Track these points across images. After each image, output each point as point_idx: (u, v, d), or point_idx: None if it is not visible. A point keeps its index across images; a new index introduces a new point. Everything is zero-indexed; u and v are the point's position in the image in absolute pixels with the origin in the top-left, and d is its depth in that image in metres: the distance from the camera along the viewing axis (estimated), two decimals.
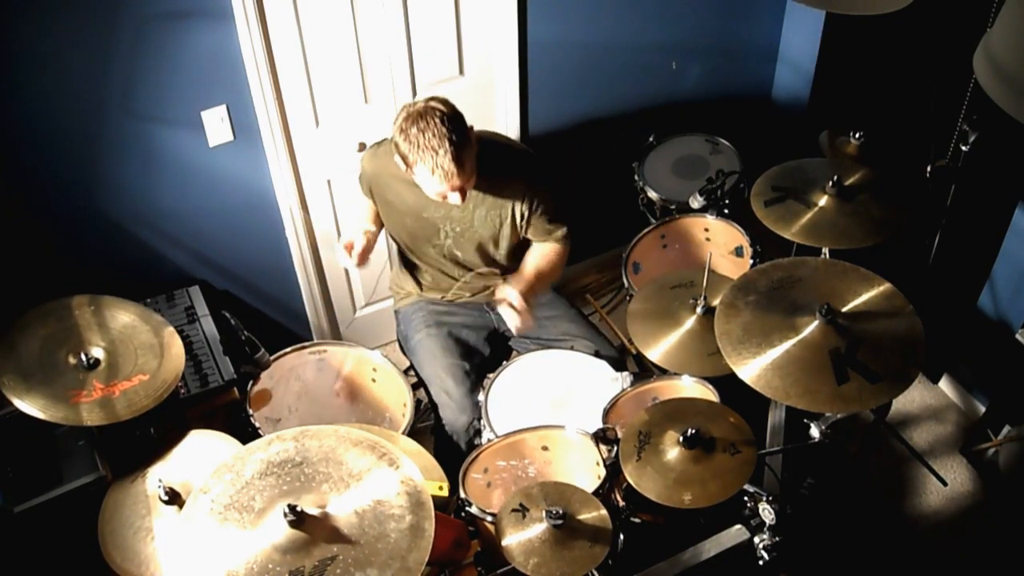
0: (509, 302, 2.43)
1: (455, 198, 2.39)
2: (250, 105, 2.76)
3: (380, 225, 2.71)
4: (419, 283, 2.82)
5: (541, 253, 2.64)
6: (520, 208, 2.55)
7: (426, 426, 2.77)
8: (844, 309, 2.08)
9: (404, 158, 2.33)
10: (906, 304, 2.09)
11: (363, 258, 2.52)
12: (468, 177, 2.36)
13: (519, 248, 2.69)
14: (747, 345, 2.04)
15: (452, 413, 2.60)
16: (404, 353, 2.87)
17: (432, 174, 2.30)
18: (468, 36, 3.06)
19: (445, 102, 2.32)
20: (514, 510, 2.01)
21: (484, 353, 2.77)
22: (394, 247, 2.83)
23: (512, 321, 2.44)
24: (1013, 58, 1.38)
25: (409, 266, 2.81)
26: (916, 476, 3.15)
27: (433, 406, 2.67)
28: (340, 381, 2.74)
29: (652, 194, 3.17)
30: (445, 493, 2.25)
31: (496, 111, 3.27)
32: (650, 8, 3.29)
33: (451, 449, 2.62)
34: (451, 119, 2.28)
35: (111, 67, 2.52)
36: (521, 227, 2.60)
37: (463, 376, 2.64)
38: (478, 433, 2.61)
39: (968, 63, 1.51)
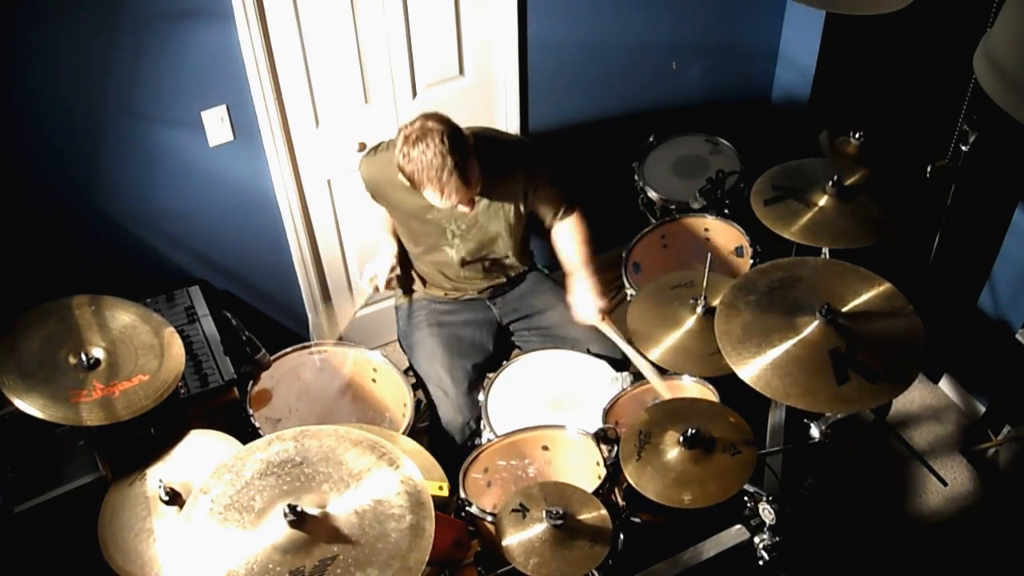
0: (588, 301, 2.63)
1: (463, 208, 2.44)
2: (250, 105, 2.76)
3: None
4: (422, 280, 2.82)
5: (568, 232, 2.72)
6: (523, 196, 2.59)
7: (426, 426, 2.77)
8: (844, 309, 2.08)
9: (410, 179, 2.35)
10: (906, 304, 2.09)
11: (388, 283, 2.69)
12: (474, 188, 2.39)
13: (525, 237, 2.75)
14: (747, 345, 2.04)
15: (449, 412, 2.61)
16: (403, 349, 2.87)
17: (441, 194, 2.32)
18: (468, 36, 3.05)
19: (440, 119, 2.32)
20: (514, 510, 2.01)
21: (488, 349, 2.78)
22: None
23: (591, 317, 2.64)
24: (1013, 58, 1.38)
25: (412, 264, 2.81)
26: (916, 476, 3.15)
27: (430, 403, 2.68)
28: (344, 382, 2.74)
29: (652, 194, 3.17)
30: (445, 493, 2.25)
31: (496, 111, 3.26)
32: (650, 8, 3.29)
33: (446, 446, 2.63)
34: (450, 137, 2.28)
35: (111, 67, 2.52)
36: (528, 208, 2.64)
37: (462, 376, 2.65)
38: (477, 433, 2.61)
39: (968, 63, 1.51)
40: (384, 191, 2.60)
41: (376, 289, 2.70)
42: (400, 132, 2.34)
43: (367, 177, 2.63)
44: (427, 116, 2.32)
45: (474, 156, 2.35)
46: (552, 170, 2.66)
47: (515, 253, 2.73)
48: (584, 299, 2.65)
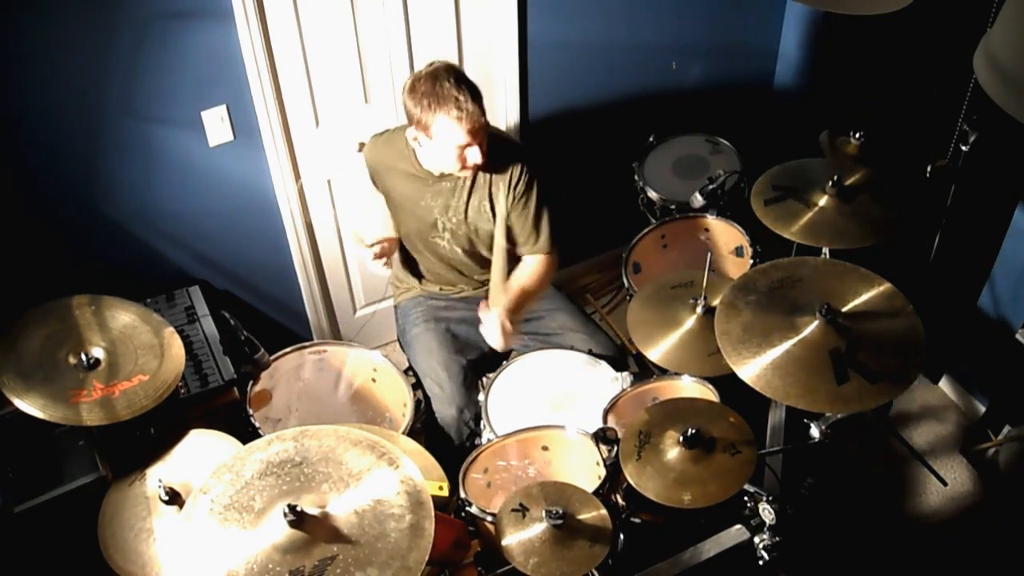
0: (492, 323, 2.46)
1: (474, 154, 2.37)
2: (250, 105, 2.76)
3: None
4: (419, 276, 2.83)
5: (528, 267, 2.65)
6: (507, 198, 2.54)
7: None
8: (844, 309, 2.08)
9: (419, 121, 2.34)
10: (906, 304, 2.09)
11: (382, 254, 2.64)
12: (486, 126, 2.37)
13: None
14: (747, 345, 2.04)
15: (443, 406, 2.61)
16: (402, 348, 2.88)
17: (455, 120, 2.30)
18: (468, 36, 3.06)
19: (449, 63, 2.37)
20: (514, 510, 2.01)
21: (483, 348, 2.77)
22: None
23: (494, 341, 2.47)
24: (1013, 58, 1.38)
25: (409, 260, 2.82)
26: (916, 476, 3.15)
27: (426, 398, 2.68)
28: (344, 383, 2.74)
29: (652, 194, 3.17)
30: (445, 493, 2.25)
31: (496, 111, 3.26)
32: (650, 8, 3.29)
33: (442, 442, 2.63)
34: (459, 75, 2.34)
35: (112, 67, 2.52)
36: (507, 218, 2.56)
37: (458, 370, 2.65)
38: (476, 434, 2.61)
39: (968, 63, 1.51)
40: (383, 175, 2.62)
41: (363, 241, 2.63)
42: (409, 78, 2.37)
43: (370, 159, 2.65)
44: (434, 61, 2.37)
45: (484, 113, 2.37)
46: (542, 195, 2.58)
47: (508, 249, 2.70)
48: (493, 323, 2.50)
